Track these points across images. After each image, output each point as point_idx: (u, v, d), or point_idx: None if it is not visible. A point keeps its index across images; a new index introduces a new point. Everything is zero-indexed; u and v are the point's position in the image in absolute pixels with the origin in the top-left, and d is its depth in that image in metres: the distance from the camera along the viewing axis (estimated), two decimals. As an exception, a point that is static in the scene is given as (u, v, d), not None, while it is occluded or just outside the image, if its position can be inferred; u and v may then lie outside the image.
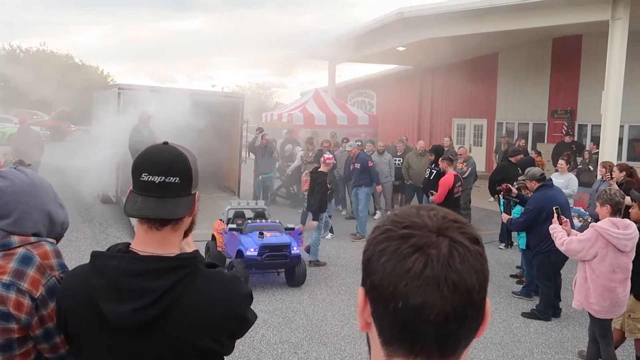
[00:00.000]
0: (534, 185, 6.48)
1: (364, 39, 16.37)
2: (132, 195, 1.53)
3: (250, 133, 14.60)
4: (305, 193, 10.02)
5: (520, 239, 7.13)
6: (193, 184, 1.56)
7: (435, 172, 9.43)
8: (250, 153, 12.76)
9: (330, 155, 9.31)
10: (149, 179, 1.48)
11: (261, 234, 7.02)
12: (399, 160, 11.97)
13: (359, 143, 11.58)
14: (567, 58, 16.66)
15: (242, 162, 11.89)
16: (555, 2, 11.26)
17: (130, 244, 1.55)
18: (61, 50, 44.73)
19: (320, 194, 8.21)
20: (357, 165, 10.55)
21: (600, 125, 11.53)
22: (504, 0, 11.97)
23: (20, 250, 1.72)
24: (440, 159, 9.07)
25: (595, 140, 12.71)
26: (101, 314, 1.45)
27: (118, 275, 1.46)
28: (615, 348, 4.89)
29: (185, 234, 1.64)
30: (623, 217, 4.64)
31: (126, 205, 1.53)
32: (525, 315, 6.47)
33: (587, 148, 13.21)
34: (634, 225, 4.54)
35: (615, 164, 8.24)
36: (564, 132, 15.54)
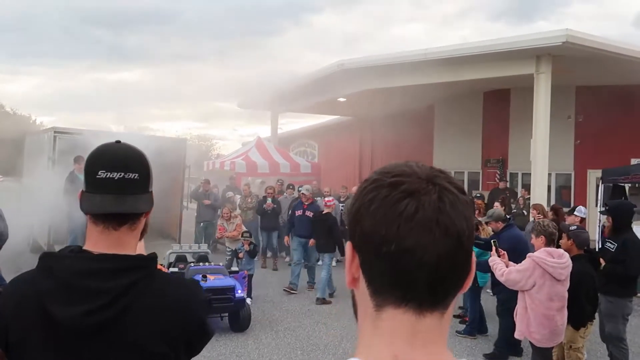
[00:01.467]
0: (500, 225, 6.65)
1: (306, 89, 16.77)
2: (86, 196, 1.46)
3: (192, 184, 14.37)
4: (219, 239, 9.67)
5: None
6: (150, 181, 1.53)
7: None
8: (192, 199, 12.55)
9: (331, 198, 9.49)
10: (107, 176, 1.43)
11: (204, 277, 6.83)
12: (343, 206, 12.10)
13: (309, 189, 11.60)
14: (497, 110, 17.66)
15: (183, 208, 11.65)
16: (485, 57, 12.03)
17: (82, 246, 1.48)
18: (-9, 98, 43.08)
19: (337, 231, 9.09)
20: (309, 214, 9.68)
21: (530, 174, 12.20)
22: (437, 54, 12.67)
23: None
24: None
25: (527, 188, 13.38)
26: (49, 318, 1.35)
27: (69, 275, 1.38)
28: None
29: (141, 237, 1.59)
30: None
31: (82, 205, 1.46)
32: (487, 356, 6.42)
33: (520, 194, 13.85)
34: (567, 255, 4.76)
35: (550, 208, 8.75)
36: (497, 179, 16.27)
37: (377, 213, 0.79)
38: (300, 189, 11.20)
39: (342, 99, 17.54)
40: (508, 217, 6.94)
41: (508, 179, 17.22)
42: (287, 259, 12.18)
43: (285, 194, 12.66)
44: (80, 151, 9.63)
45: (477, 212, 8.18)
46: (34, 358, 1.39)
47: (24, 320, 1.40)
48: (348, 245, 0.85)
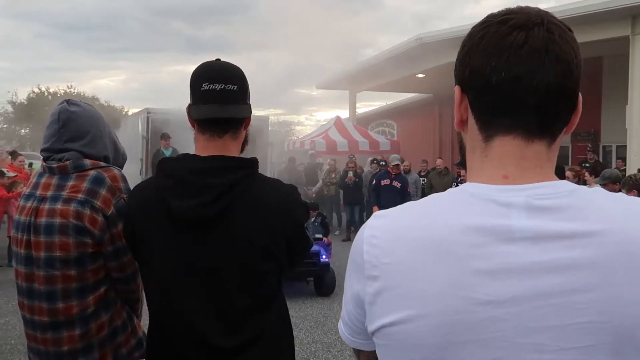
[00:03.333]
0: (617, 188, 6.15)
1: (384, 66, 16.65)
2: (193, 107, 1.61)
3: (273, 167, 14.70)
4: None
5: None
6: (248, 94, 1.65)
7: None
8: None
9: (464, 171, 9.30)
10: (210, 87, 1.56)
11: (290, 242, 7.06)
12: (424, 180, 12.00)
13: (383, 163, 11.62)
14: (589, 80, 16.68)
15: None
16: (575, 21, 11.39)
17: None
18: (87, 92, 46.20)
19: None
20: (397, 184, 9.58)
21: (625, 146, 11.51)
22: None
23: (93, 172, 1.84)
24: (463, 170, 9.09)
25: (623, 160, 12.62)
26: (168, 212, 1.51)
27: (184, 173, 1.53)
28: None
29: (242, 149, 1.72)
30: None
31: (190, 114, 1.62)
32: None
33: (615, 166, 13.08)
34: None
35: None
36: (589, 152, 15.42)
37: (487, 47, 0.83)
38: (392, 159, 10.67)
39: (420, 75, 17.25)
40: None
41: (601, 152, 16.31)
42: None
43: (370, 167, 12.71)
44: (171, 129, 10.21)
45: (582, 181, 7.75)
46: (157, 250, 1.56)
47: (148, 217, 1.57)
48: (457, 89, 0.89)
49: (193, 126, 1.65)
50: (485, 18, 0.88)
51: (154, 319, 1.63)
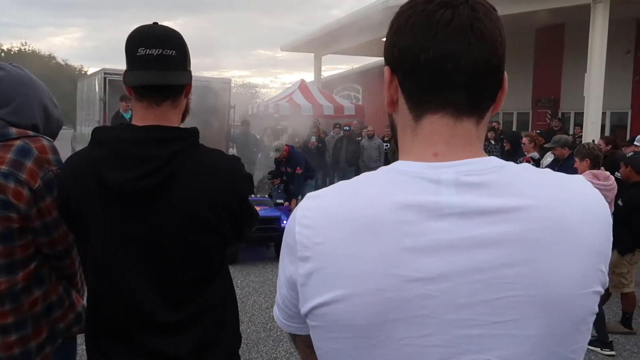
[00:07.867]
0: (566, 152, 6.10)
1: (350, 29, 16.45)
2: (129, 73, 1.53)
3: (236, 130, 14.51)
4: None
5: None
6: (188, 59, 1.58)
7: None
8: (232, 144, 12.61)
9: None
10: (147, 52, 1.48)
11: (251, 207, 7.05)
12: (387, 145, 12.08)
13: (347, 128, 11.63)
14: (550, 47, 16.90)
15: (229, 147, 11.86)
16: (538, -13, 11.45)
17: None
18: (43, 50, 44.32)
19: None
20: (289, 169, 8.53)
21: (582, 113, 11.78)
22: (487, -14, 12.11)
23: (18, 143, 1.72)
24: None
25: (581, 127, 12.93)
26: (104, 184, 1.45)
27: (120, 144, 1.47)
28: (603, 304, 5.00)
29: (182, 118, 1.66)
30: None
31: (126, 80, 1.53)
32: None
33: (572, 132, 13.41)
34: (613, 177, 4.66)
35: (600, 139, 8.45)
36: (549, 119, 15.72)
37: (415, 26, 0.83)
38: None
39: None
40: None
41: (560, 117, 16.67)
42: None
43: (332, 132, 12.72)
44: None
45: (537, 147, 7.71)
46: (93, 223, 1.50)
47: (82, 189, 1.51)
48: (386, 70, 0.88)
49: (130, 94, 1.58)
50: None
51: (92, 293, 1.59)
